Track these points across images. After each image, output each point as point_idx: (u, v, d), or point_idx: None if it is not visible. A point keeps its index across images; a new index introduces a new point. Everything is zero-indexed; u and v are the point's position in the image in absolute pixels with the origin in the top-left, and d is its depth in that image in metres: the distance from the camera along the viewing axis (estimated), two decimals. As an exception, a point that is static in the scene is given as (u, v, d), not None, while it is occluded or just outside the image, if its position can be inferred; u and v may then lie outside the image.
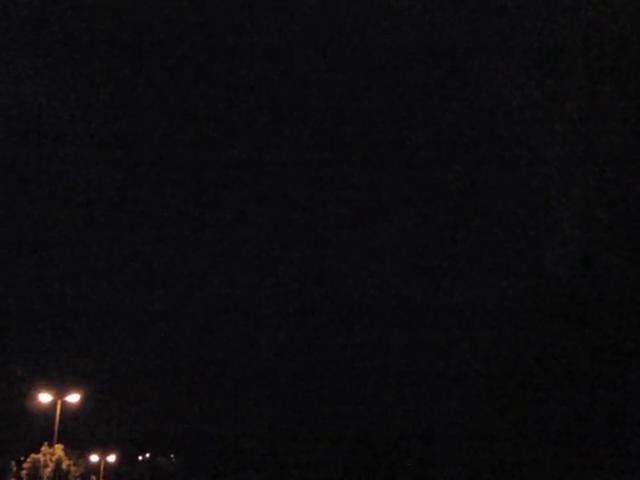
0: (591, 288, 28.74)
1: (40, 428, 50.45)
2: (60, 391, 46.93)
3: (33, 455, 45.58)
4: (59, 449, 46.42)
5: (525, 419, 38.15)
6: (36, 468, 44.98)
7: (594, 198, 22.89)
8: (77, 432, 60.95)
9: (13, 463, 45.99)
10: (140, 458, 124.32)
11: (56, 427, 45.55)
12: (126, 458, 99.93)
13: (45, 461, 45.32)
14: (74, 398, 47.62)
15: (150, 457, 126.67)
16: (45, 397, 46.46)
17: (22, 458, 46.07)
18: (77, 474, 49.47)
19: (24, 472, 45.05)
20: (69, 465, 47.25)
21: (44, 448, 46.00)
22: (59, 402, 46.16)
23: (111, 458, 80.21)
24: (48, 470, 45.34)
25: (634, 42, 19.63)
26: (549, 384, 34.87)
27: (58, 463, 45.74)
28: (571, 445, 34.17)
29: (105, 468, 76.32)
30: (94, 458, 73.64)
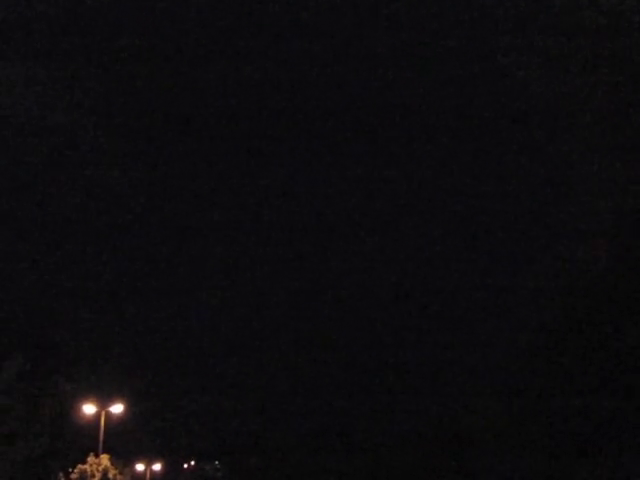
0: (622, 279, 28.61)
1: (86, 439, 51.24)
2: (104, 402, 47.69)
3: (80, 466, 46.23)
4: (105, 459, 47.06)
5: (557, 415, 37.98)
6: (83, 478, 45.61)
7: (623, 189, 22.77)
8: (122, 442, 61.70)
9: (61, 474, 46.69)
10: (185, 466, 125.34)
11: (101, 437, 46.26)
12: (171, 466, 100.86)
13: (92, 471, 45.93)
14: (118, 409, 48.36)
15: (195, 464, 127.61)
16: (89, 408, 47.24)
17: (70, 469, 46.73)
18: (123, 483, 50.05)
19: (71, 483, 45.74)
20: (115, 475, 47.83)
21: (90, 458, 46.63)
22: (103, 413, 46.91)
23: (156, 467, 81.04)
24: (95, 480, 45.99)
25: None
26: (586, 379, 34.66)
27: (105, 473, 46.33)
28: (608, 439, 33.97)
29: (151, 476, 77.13)
30: (140, 467, 74.48)
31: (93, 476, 45.94)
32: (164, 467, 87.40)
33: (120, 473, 50.07)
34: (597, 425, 34.78)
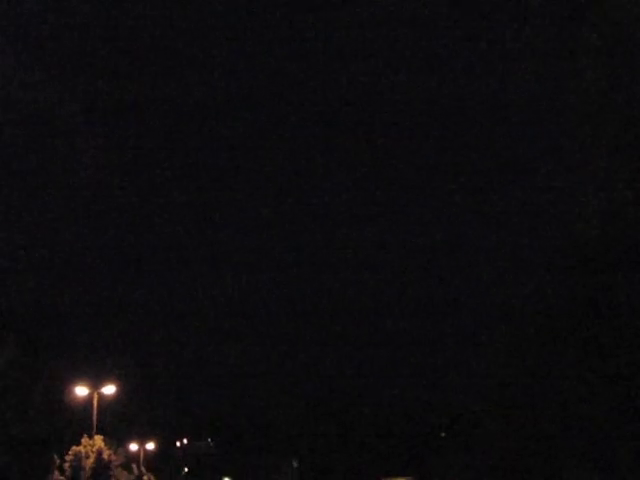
0: (618, 245, 28.70)
1: (79, 421, 51.46)
2: (96, 383, 47.83)
3: (74, 447, 46.44)
4: (99, 440, 47.28)
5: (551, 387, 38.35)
6: (78, 459, 45.86)
7: (617, 156, 22.88)
8: (115, 423, 62.00)
9: (56, 457, 46.91)
10: (178, 444, 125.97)
11: (94, 419, 46.46)
12: (164, 445, 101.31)
13: (86, 452, 46.17)
14: (110, 390, 48.51)
15: (188, 443, 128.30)
16: (82, 390, 47.38)
17: (64, 451, 46.94)
18: (118, 463, 50.34)
19: (67, 465, 45.94)
20: (109, 455, 48.09)
21: (84, 440, 46.85)
22: (96, 394, 47.06)
23: (150, 446, 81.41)
24: (90, 461, 46.19)
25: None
26: (579, 349, 34.92)
27: (99, 453, 46.59)
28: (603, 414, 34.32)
29: (145, 456, 77.55)
30: (133, 447, 74.86)
31: (88, 457, 46.19)
32: (157, 446, 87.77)
33: (114, 453, 50.34)
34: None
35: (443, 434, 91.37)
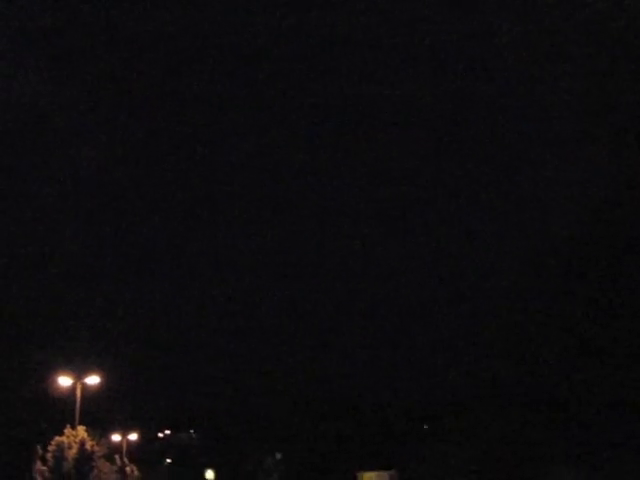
0: (592, 244, 29.03)
1: (62, 411, 51.37)
2: (79, 374, 47.77)
3: (57, 438, 46.38)
4: (82, 430, 47.23)
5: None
6: (61, 450, 45.81)
7: (595, 158, 23.10)
8: (98, 413, 61.91)
9: (38, 447, 46.83)
10: (161, 435, 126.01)
11: (77, 409, 46.41)
12: (147, 436, 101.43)
13: (69, 443, 46.12)
14: (94, 380, 48.47)
15: (171, 434, 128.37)
16: (65, 380, 47.32)
17: (47, 442, 46.88)
18: (100, 454, 50.31)
19: (49, 455, 45.88)
20: (92, 446, 48.04)
21: (67, 430, 46.79)
22: (79, 385, 47.02)
23: (132, 437, 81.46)
24: (72, 451, 46.14)
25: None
26: (552, 343, 35.27)
27: (82, 444, 46.54)
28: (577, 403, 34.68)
29: (127, 447, 77.55)
30: (116, 438, 74.91)
31: (70, 448, 46.13)
32: (140, 437, 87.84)
33: (97, 444, 50.29)
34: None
35: (425, 426, 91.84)
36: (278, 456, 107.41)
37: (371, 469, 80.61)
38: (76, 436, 46.53)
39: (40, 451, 46.96)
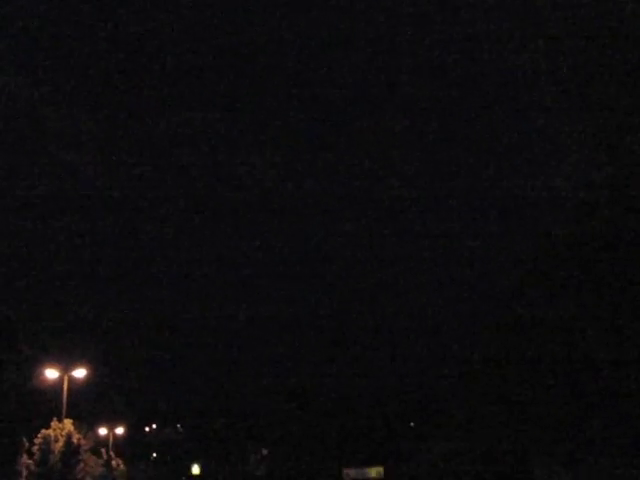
0: (589, 243, 29.06)
1: (48, 404, 51.06)
2: (66, 367, 47.47)
3: (44, 431, 46.09)
4: (68, 424, 46.93)
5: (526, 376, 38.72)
6: (47, 443, 45.53)
7: (592, 153, 23.09)
8: (85, 406, 61.67)
9: (25, 440, 46.52)
10: (147, 429, 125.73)
11: (64, 402, 46.12)
12: (134, 430, 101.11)
13: (55, 436, 45.83)
14: (80, 373, 48.17)
15: (157, 428, 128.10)
16: (52, 373, 47.02)
17: (33, 434, 46.58)
18: (87, 447, 50.06)
19: (36, 447, 45.59)
20: (79, 439, 47.76)
21: (54, 423, 46.48)
22: (66, 377, 46.72)
23: (119, 430, 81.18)
24: (59, 445, 45.86)
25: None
26: (550, 343, 35.31)
27: (68, 437, 46.26)
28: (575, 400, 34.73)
29: (114, 440, 77.29)
30: (103, 431, 74.61)
31: (57, 441, 45.84)
32: (126, 431, 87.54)
33: (84, 437, 50.03)
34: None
35: (412, 424, 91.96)
36: (264, 452, 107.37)
37: (358, 466, 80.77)
38: (63, 429, 46.25)
39: (26, 444, 46.64)
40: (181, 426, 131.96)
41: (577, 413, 35.29)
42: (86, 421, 60.93)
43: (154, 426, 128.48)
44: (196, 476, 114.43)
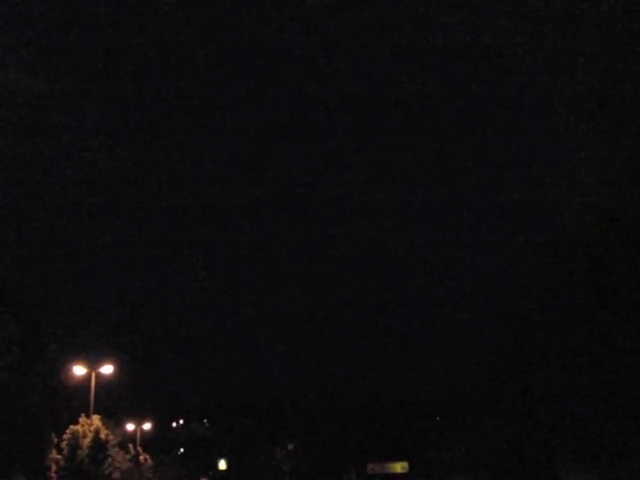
0: (610, 240, 28.94)
1: (77, 400, 51.88)
2: (94, 363, 48.22)
3: (72, 426, 46.87)
4: (96, 419, 47.69)
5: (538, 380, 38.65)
6: (75, 439, 46.29)
7: (610, 150, 23.05)
8: (112, 402, 62.51)
9: (53, 435, 47.31)
10: (174, 425, 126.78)
11: (92, 398, 46.87)
12: (161, 425, 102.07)
13: (84, 431, 46.59)
14: (108, 369, 48.90)
15: (184, 423, 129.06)
16: (79, 370, 47.81)
17: (62, 430, 47.36)
18: (114, 443, 50.74)
19: (64, 443, 46.36)
20: (107, 434, 48.48)
21: (82, 419, 47.26)
22: (93, 374, 47.48)
23: (146, 426, 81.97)
24: (87, 440, 46.62)
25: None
26: (567, 341, 35.18)
27: (96, 433, 46.99)
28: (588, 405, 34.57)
29: (141, 436, 78.08)
30: (130, 427, 75.42)
31: (85, 436, 46.61)
32: (154, 426, 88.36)
33: (111, 433, 50.73)
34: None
35: (438, 418, 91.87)
36: (290, 446, 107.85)
37: (383, 461, 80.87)
38: (91, 425, 47.02)
39: (55, 439, 47.43)
40: (208, 421, 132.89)
41: (605, 411, 35.14)
42: (114, 417, 61.73)
43: (181, 421, 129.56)
44: (223, 471, 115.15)
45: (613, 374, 32.59)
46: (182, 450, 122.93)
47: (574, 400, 36.69)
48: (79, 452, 46.09)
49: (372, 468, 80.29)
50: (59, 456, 46.49)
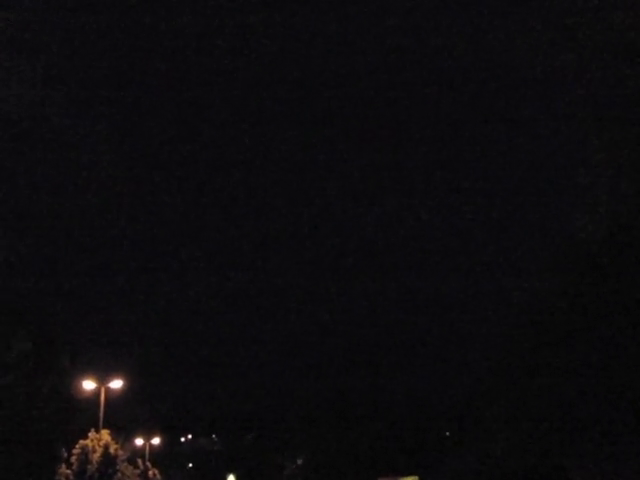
0: (620, 252, 28.92)
1: (86, 415, 51.90)
2: (103, 378, 48.28)
3: (81, 441, 46.85)
4: (106, 434, 47.65)
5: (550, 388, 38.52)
6: (85, 453, 46.26)
7: (620, 161, 23.06)
8: (121, 417, 62.40)
9: (63, 449, 47.31)
10: (183, 440, 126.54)
11: (101, 413, 46.87)
12: (169, 440, 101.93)
13: (93, 446, 46.55)
14: (117, 384, 48.94)
15: (192, 438, 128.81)
16: (89, 384, 47.86)
17: (71, 445, 47.35)
18: (124, 458, 50.67)
19: (74, 457, 46.33)
20: (116, 449, 48.43)
21: (91, 434, 47.23)
22: (103, 389, 47.52)
23: (155, 441, 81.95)
24: (96, 455, 46.56)
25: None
26: (577, 353, 35.07)
27: (106, 447, 46.95)
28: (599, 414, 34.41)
29: (150, 451, 78.02)
30: (139, 442, 75.42)
31: (94, 451, 46.56)
32: (162, 441, 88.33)
33: (120, 448, 50.69)
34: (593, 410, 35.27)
35: (447, 433, 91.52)
36: (299, 461, 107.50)
37: (392, 475, 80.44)
38: (100, 439, 46.99)
39: (65, 454, 47.41)
40: (216, 436, 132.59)
41: (609, 423, 35.01)
42: (123, 431, 61.73)
43: (190, 436, 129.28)
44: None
45: (620, 382, 32.50)
46: (191, 465, 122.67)
47: (583, 407, 36.57)
48: (88, 467, 46.03)
49: (382, 482, 79.83)
50: (69, 471, 46.44)
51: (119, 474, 47.85)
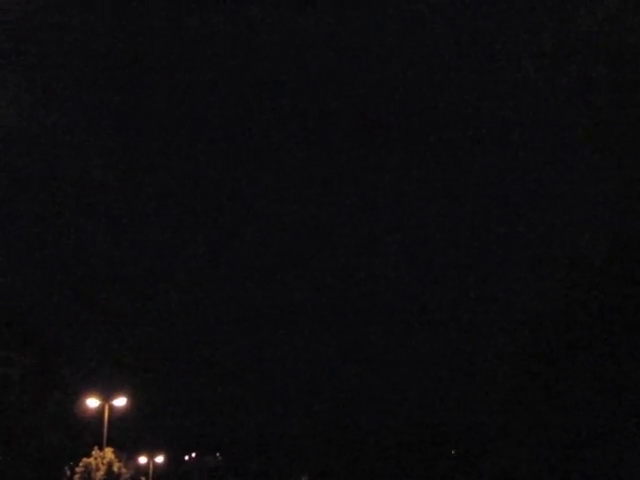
0: (623, 270, 28.80)
1: (90, 432, 51.61)
2: (107, 395, 48.01)
3: (85, 459, 46.57)
4: (109, 452, 47.37)
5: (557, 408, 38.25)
6: (88, 472, 45.97)
7: (624, 183, 22.99)
8: (125, 435, 62.07)
9: (66, 467, 47.03)
10: (186, 458, 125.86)
11: (105, 431, 46.57)
12: (173, 458, 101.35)
13: (97, 464, 46.27)
14: (121, 402, 48.66)
15: (196, 456, 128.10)
16: (93, 402, 47.59)
17: (74, 462, 47.11)
18: (127, 476, 50.39)
19: (77, 476, 46.03)
20: (120, 467, 48.15)
21: (95, 452, 46.96)
22: (107, 406, 47.24)
23: (159, 459, 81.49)
24: (100, 473, 46.29)
25: None
26: (584, 369, 34.85)
27: (109, 466, 46.66)
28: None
29: (154, 469, 77.57)
30: (143, 460, 74.96)
31: (98, 469, 46.28)
32: (166, 459, 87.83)
33: (124, 466, 50.39)
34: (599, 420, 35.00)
35: (453, 452, 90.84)
36: (304, 479, 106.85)
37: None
38: (104, 457, 46.70)
39: (68, 472, 47.13)
40: (220, 454, 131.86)
41: (624, 436, 34.67)
42: (127, 449, 61.38)
43: (194, 455, 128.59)
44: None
45: (626, 396, 32.28)
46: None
47: (590, 425, 36.28)
48: (92, 485, 45.78)
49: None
50: (72, 489, 46.20)
51: (123, 492, 47.58)
